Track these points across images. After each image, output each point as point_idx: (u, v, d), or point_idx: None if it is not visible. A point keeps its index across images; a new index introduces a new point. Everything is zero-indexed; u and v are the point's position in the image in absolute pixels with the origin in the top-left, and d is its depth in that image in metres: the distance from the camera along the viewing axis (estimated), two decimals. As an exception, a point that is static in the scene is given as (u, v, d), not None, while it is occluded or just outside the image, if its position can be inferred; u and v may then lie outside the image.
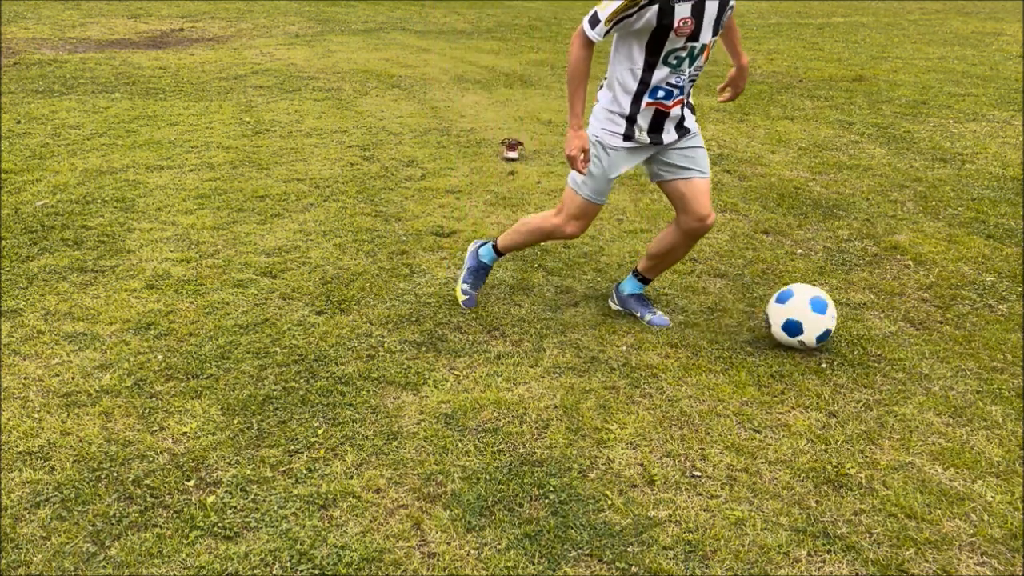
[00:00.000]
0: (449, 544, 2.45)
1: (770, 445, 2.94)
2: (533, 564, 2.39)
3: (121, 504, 2.58)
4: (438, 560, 2.40)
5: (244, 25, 12.16)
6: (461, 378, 3.30)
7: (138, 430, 2.93)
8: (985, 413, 3.14)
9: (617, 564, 2.39)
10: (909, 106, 7.91)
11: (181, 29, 11.62)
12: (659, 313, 3.77)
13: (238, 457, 2.80)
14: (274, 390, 3.18)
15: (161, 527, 2.49)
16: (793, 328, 3.46)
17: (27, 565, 2.35)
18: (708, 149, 6.53)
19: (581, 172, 3.40)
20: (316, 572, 2.35)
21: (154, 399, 3.12)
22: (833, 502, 2.66)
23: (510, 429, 2.99)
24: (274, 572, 2.34)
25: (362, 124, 7.02)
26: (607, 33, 3.20)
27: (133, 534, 2.46)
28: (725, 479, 2.76)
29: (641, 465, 2.82)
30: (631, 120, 3.37)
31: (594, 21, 3.20)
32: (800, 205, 5.30)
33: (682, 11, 3.11)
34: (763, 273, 4.32)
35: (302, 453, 2.83)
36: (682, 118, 3.43)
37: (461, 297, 3.89)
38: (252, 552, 2.40)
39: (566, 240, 3.67)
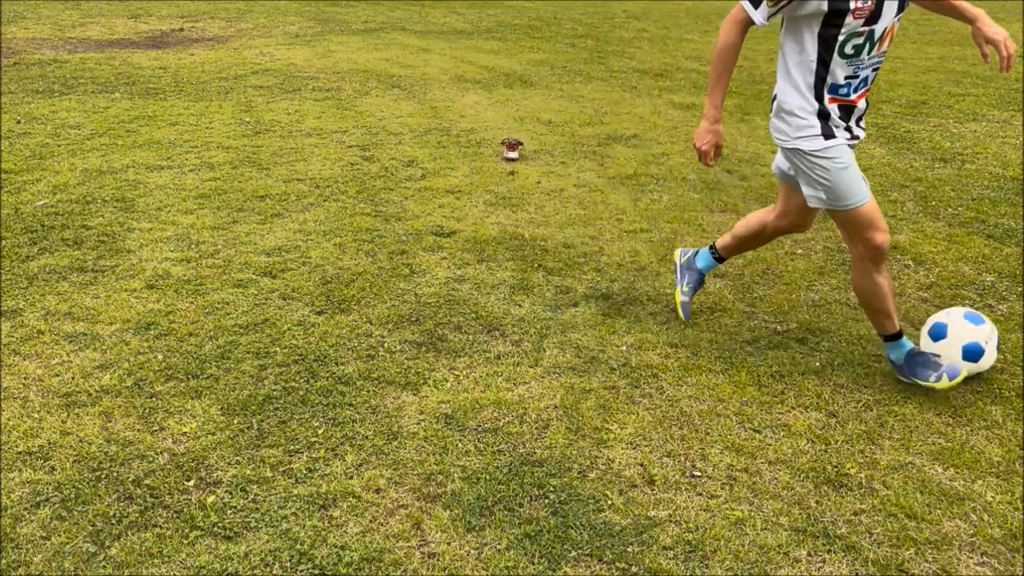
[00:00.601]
0: (449, 544, 2.45)
1: (770, 445, 2.94)
2: (533, 564, 2.39)
3: (121, 504, 2.58)
4: (438, 560, 2.40)
5: (244, 25, 12.16)
6: (461, 378, 3.30)
7: (138, 430, 2.94)
8: (985, 413, 3.14)
9: (617, 564, 2.39)
10: (909, 106, 7.91)
11: (181, 29, 11.62)
12: (689, 305, 3.79)
13: (238, 457, 2.80)
14: (274, 390, 3.18)
15: (161, 527, 2.49)
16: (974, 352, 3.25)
17: (27, 565, 2.35)
18: (708, 149, 6.56)
19: (708, 165, 3.24)
20: (316, 572, 2.35)
21: (154, 399, 3.12)
22: (833, 502, 2.66)
23: (510, 429, 2.99)
24: (274, 572, 2.35)
25: (362, 124, 7.02)
26: (772, 15, 2.92)
27: (133, 534, 2.46)
28: (725, 479, 2.76)
29: (641, 465, 2.82)
30: (823, 116, 3.02)
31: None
32: (800, 205, 5.30)
33: None
34: (763, 273, 4.32)
35: (302, 453, 2.83)
36: (864, 111, 3.12)
37: None
38: (252, 552, 2.40)
39: (886, 249, 3.14)
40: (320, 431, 2.95)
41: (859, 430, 3.03)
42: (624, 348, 3.55)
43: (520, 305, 3.91)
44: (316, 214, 4.95)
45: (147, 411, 3.04)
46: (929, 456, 2.89)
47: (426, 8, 14.73)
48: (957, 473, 2.81)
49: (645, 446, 2.92)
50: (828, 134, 3.03)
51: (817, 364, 3.45)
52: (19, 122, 6.75)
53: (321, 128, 6.85)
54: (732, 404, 3.17)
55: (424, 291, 4.01)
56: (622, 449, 2.90)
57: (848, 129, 3.08)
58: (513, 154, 6.11)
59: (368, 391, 3.19)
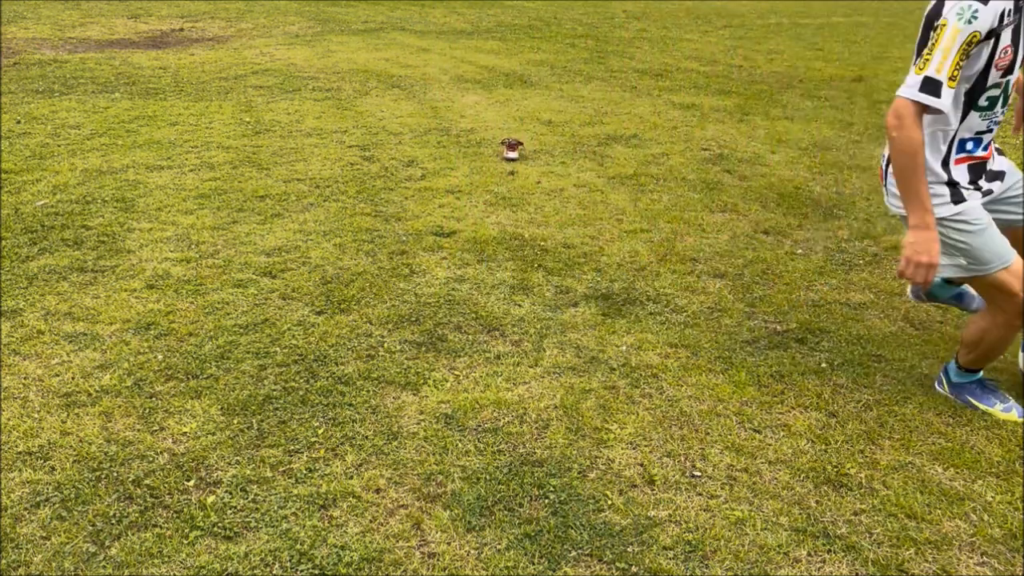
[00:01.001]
0: (449, 544, 2.45)
1: (770, 445, 2.94)
2: (533, 564, 2.39)
3: (121, 504, 2.58)
4: (438, 560, 2.40)
5: (244, 25, 12.16)
6: (461, 378, 3.30)
7: (138, 430, 2.94)
8: (985, 413, 3.14)
9: (617, 564, 2.39)
10: (909, 106, 7.90)
11: (181, 29, 11.62)
12: (967, 294, 3.57)
13: (238, 457, 2.80)
14: (274, 390, 3.18)
15: (161, 527, 2.49)
16: None
17: (27, 565, 2.35)
18: (708, 149, 6.56)
19: (925, 286, 2.79)
20: (316, 572, 2.35)
21: (154, 399, 3.12)
22: (833, 502, 2.66)
23: (510, 429, 2.99)
24: (274, 572, 2.35)
25: (362, 124, 7.02)
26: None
27: (133, 534, 2.46)
28: (725, 479, 2.76)
29: (641, 465, 2.82)
30: (952, 184, 2.85)
31: (932, 87, 2.60)
32: (800, 205, 5.30)
33: (1005, 38, 2.61)
34: (763, 273, 4.32)
35: (302, 453, 2.83)
36: (995, 162, 2.98)
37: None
38: (252, 552, 2.40)
39: None
40: (320, 431, 2.95)
41: (859, 430, 3.03)
42: (624, 348, 3.55)
43: (520, 305, 3.91)
44: (316, 214, 4.95)
45: (147, 411, 3.04)
46: (929, 456, 2.89)
47: (426, 8, 14.73)
48: (957, 473, 2.81)
49: (645, 446, 2.92)
50: (958, 199, 2.85)
51: (817, 364, 3.45)
52: (19, 122, 6.75)
53: (321, 128, 6.85)
54: (732, 404, 3.17)
55: (424, 291, 4.01)
56: (622, 449, 2.90)
57: (978, 188, 2.91)
58: (513, 154, 6.11)
59: (368, 391, 3.19)
